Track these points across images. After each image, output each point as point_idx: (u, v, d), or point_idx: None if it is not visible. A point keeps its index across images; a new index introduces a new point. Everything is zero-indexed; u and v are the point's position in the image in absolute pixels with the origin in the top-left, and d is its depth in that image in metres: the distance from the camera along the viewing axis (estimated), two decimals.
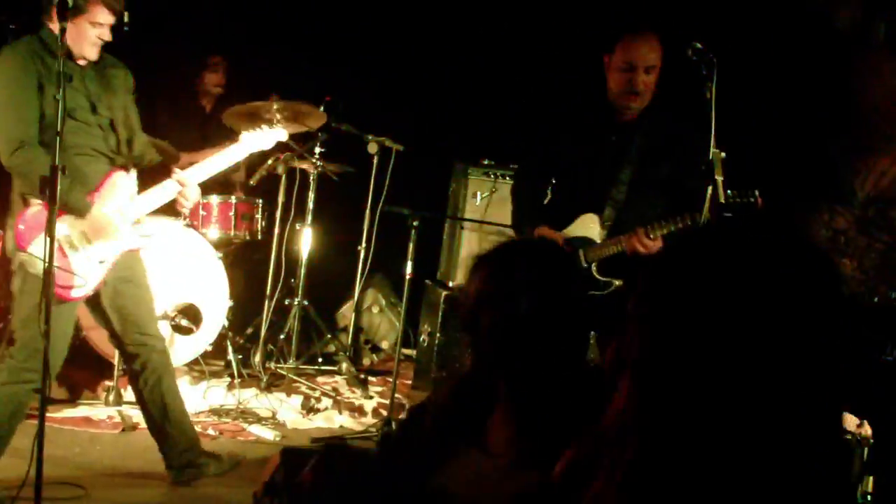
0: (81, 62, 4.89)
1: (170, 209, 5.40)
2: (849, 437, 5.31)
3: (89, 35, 4.80)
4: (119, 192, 4.96)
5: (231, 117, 6.89)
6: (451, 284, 6.55)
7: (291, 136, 6.94)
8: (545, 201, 5.41)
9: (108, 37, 4.86)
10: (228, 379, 7.06)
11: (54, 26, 4.70)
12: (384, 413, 6.32)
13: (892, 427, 5.68)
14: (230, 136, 7.79)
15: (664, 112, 5.08)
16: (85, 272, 4.80)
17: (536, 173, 5.34)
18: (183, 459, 5.14)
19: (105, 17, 4.82)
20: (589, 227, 5.00)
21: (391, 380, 6.39)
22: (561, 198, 5.29)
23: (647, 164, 5.01)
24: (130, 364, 5.14)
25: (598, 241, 4.97)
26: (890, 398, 5.83)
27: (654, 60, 4.95)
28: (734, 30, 6.97)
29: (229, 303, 7.07)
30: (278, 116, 6.74)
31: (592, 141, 5.09)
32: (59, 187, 4.13)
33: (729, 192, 5.02)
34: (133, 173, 5.09)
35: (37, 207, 4.66)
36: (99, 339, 6.29)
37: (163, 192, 5.09)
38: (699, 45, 4.70)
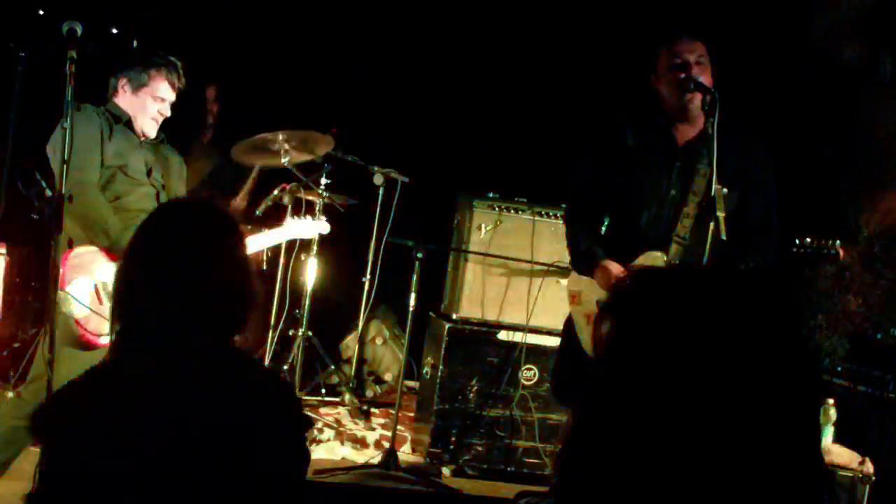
0: (141, 137, 5.13)
1: None
2: (850, 474, 5.30)
3: (150, 109, 5.10)
4: None
5: (240, 152, 6.93)
6: (454, 317, 6.54)
7: (297, 167, 7.00)
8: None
9: (167, 113, 5.14)
10: None
11: (118, 101, 5.09)
12: (386, 445, 6.31)
13: (893, 464, 5.66)
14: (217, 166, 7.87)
15: (730, 123, 4.65)
16: None
17: (588, 209, 5.03)
18: None
19: (167, 93, 5.13)
20: (654, 266, 4.55)
21: (394, 412, 6.39)
22: (618, 233, 4.98)
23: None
24: None
25: None
26: (892, 435, 5.81)
27: (702, 51, 4.73)
28: (739, 65, 6.99)
29: None
30: (286, 147, 6.78)
31: (653, 168, 4.84)
32: (64, 215, 4.23)
33: (808, 239, 4.93)
34: None
35: (82, 249, 4.73)
36: None
37: None
38: (700, 80, 4.69)
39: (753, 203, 4.78)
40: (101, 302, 4.77)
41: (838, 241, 4.87)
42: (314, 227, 6.00)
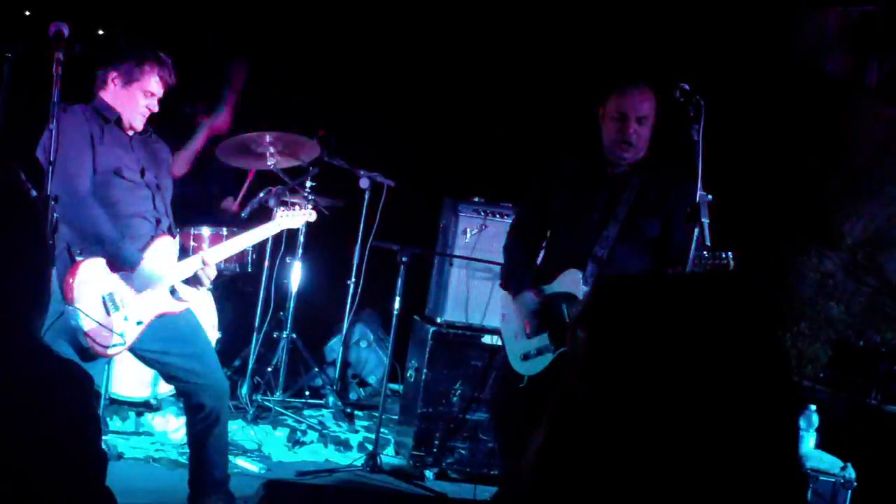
0: (129, 132, 5.11)
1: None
2: (832, 479, 5.32)
3: (140, 104, 5.06)
4: (163, 255, 5.05)
5: (224, 151, 6.96)
6: (439, 320, 6.56)
7: (283, 170, 7.01)
8: (539, 255, 5.41)
9: (155, 108, 5.11)
10: None
11: (106, 96, 5.05)
12: (370, 448, 6.32)
13: (875, 470, 5.69)
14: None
15: (660, 164, 5.01)
16: (123, 331, 4.85)
17: (529, 226, 5.30)
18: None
19: (157, 88, 5.09)
20: (572, 283, 4.93)
21: (377, 414, 6.40)
22: (550, 251, 5.27)
23: (635, 221, 4.95)
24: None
25: (581, 297, 4.88)
26: (873, 442, 5.84)
27: (646, 110, 4.91)
28: (725, 74, 7.02)
29: (218, 335, 7.08)
30: (271, 150, 6.80)
31: (583, 194, 5.06)
32: (53, 216, 4.24)
33: (705, 253, 4.99)
34: (176, 239, 5.21)
35: (89, 261, 4.74)
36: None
37: (185, 266, 5.20)
38: (686, 87, 4.73)
39: (673, 240, 4.94)
40: (108, 314, 4.78)
41: (730, 252, 4.91)
42: (301, 216, 6.04)
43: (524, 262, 5.25)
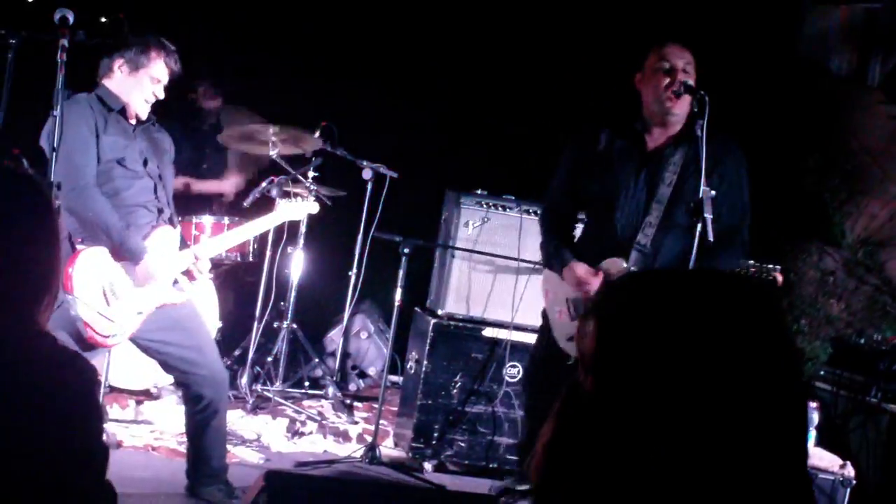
0: (132, 120, 5.13)
1: None
2: (832, 477, 5.33)
3: (146, 91, 5.07)
4: (164, 245, 5.05)
5: (229, 139, 6.98)
6: (440, 313, 6.55)
7: (287, 159, 7.02)
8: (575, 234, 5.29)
9: (161, 95, 5.12)
10: None
11: (110, 83, 5.05)
12: (369, 439, 6.32)
13: (874, 468, 5.70)
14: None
15: (708, 131, 4.58)
16: (123, 321, 4.85)
17: (563, 204, 5.18)
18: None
19: (163, 74, 5.10)
20: (615, 272, 4.78)
21: (377, 406, 6.40)
22: (589, 235, 5.13)
23: (678, 201, 4.76)
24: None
25: None
26: (873, 439, 5.84)
27: (689, 59, 4.79)
28: (728, 70, 7.01)
29: (219, 324, 7.08)
30: (274, 140, 6.81)
31: (621, 175, 4.90)
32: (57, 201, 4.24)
33: (750, 261, 5.00)
34: (178, 229, 5.22)
35: (89, 251, 4.76)
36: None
37: (177, 260, 5.19)
38: (690, 83, 4.71)
39: (724, 213, 4.77)
40: (108, 303, 4.79)
41: (778, 267, 4.90)
42: (304, 207, 6.07)
43: (565, 240, 5.11)
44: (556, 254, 5.03)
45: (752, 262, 5.07)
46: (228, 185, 8.24)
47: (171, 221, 5.19)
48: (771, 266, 4.94)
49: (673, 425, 1.46)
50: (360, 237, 7.66)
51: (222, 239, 5.68)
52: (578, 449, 1.53)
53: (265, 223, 5.84)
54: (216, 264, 7.36)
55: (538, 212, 6.36)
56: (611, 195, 4.89)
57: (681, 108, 4.77)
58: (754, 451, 1.46)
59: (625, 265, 4.77)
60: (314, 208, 6.26)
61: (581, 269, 4.85)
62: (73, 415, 2.27)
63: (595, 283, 4.77)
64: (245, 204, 7.13)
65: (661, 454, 1.45)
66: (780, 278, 4.99)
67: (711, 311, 1.51)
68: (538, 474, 1.59)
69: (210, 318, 6.90)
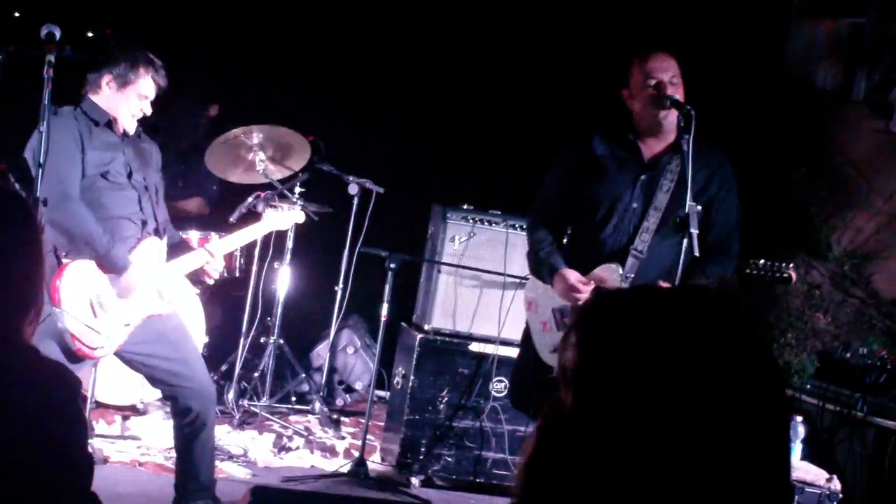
0: (119, 133, 5.11)
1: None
2: (818, 491, 5.34)
3: (133, 107, 5.06)
4: (150, 257, 5.04)
5: (213, 156, 6.96)
6: (426, 328, 6.55)
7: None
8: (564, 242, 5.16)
9: (149, 110, 5.12)
10: None
11: (97, 98, 5.04)
12: (356, 454, 6.32)
13: (860, 481, 5.71)
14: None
15: (698, 140, 4.58)
16: (110, 333, 4.84)
17: (556, 208, 5.07)
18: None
19: (150, 91, 5.09)
20: (610, 278, 4.73)
21: (364, 421, 6.39)
22: (579, 243, 5.04)
23: (675, 208, 4.65)
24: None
25: None
26: (859, 453, 5.85)
27: (675, 70, 4.75)
28: (714, 84, 7.03)
29: (205, 339, 7.07)
30: (262, 156, 6.81)
31: (615, 180, 4.86)
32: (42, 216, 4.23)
33: (762, 261, 5.01)
34: (164, 240, 5.20)
35: (76, 263, 4.76)
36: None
37: (191, 260, 5.24)
38: (677, 97, 4.71)
39: (716, 222, 4.80)
40: (95, 315, 4.78)
41: (791, 265, 4.92)
42: (290, 216, 6.07)
43: (554, 247, 4.96)
44: (545, 260, 4.91)
45: (764, 260, 5.09)
46: (193, 204, 8.24)
47: (156, 233, 5.17)
48: (784, 264, 4.95)
49: (653, 446, 1.46)
50: (346, 252, 7.65)
51: (230, 239, 5.65)
52: (559, 467, 1.53)
53: (254, 232, 5.83)
54: (202, 280, 7.36)
55: (524, 226, 6.36)
56: (608, 200, 4.85)
57: (673, 116, 4.72)
58: (736, 468, 1.46)
59: (621, 271, 4.73)
60: (300, 217, 6.26)
61: (573, 276, 4.75)
62: (58, 425, 2.27)
63: (586, 291, 4.72)
64: (231, 219, 7.12)
65: (642, 472, 1.45)
66: (794, 276, 5.01)
67: (693, 329, 1.51)
68: (519, 492, 1.59)
69: (196, 333, 6.88)
